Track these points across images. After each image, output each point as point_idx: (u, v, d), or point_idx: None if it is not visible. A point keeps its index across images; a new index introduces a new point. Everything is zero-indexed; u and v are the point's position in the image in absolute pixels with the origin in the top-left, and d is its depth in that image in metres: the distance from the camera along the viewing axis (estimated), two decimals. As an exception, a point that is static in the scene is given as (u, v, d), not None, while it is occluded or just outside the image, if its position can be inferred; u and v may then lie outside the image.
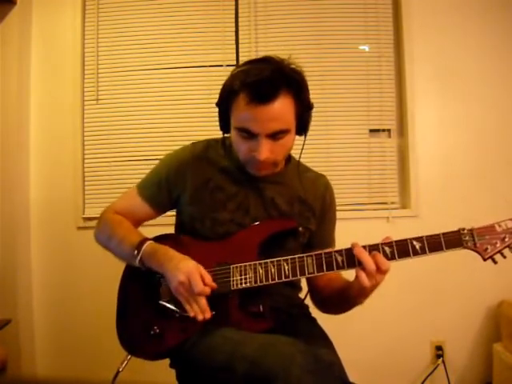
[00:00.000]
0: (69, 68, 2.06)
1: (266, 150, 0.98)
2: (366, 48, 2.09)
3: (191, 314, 0.97)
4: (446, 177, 2.05)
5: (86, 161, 2.07)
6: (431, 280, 2.01)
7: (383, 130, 2.09)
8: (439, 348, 2.02)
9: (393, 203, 2.07)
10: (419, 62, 2.05)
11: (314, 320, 1.20)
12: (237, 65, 2.01)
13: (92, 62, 2.07)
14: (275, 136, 0.98)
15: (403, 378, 2.04)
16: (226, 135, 1.10)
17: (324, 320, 1.18)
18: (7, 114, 1.97)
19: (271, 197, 1.11)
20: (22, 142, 2.02)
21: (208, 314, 0.96)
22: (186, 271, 0.96)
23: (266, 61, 1.00)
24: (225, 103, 1.01)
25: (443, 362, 2.00)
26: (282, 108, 0.95)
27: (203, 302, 0.96)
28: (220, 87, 1.08)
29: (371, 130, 2.08)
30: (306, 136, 1.07)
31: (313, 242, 1.17)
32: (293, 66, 1.00)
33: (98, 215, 1.20)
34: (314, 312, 1.21)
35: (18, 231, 1.99)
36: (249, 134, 0.98)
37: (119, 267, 1.15)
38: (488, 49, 2.05)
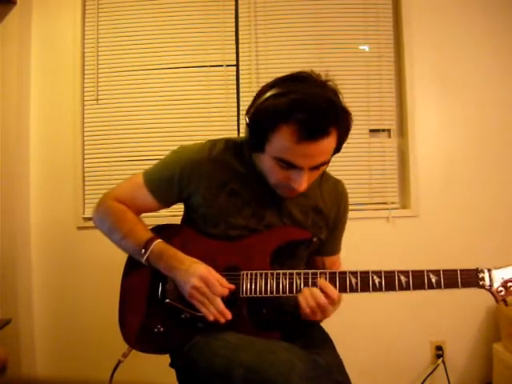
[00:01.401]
0: (69, 68, 2.05)
1: (306, 182, 0.96)
2: (366, 48, 2.09)
3: (210, 318, 0.95)
4: (446, 177, 2.05)
5: (86, 161, 2.06)
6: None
7: (383, 130, 2.09)
8: (439, 348, 2.02)
9: (393, 203, 2.07)
10: (419, 62, 2.04)
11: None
12: (237, 63, 2.01)
13: (92, 62, 2.07)
14: (317, 167, 0.95)
15: (403, 378, 2.04)
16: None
17: (325, 320, 1.18)
18: (7, 114, 1.97)
19: (286, 206, 1.09)
20: (21, 142, 2.02)
21: (229, 315, 0.95)
22: (200, 275, 0.95)
23: (307, 81, 0.93)
24: (262, 127, 0.92)
25: (443, 362, 2.00)
26: (330, 143, 0.92)
27: (220, 304, 0.95)
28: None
29: (371, 130, 2.08)
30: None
31: (321, 248, 1.16)
32: (331, 85, 0.95)
33: (93, 211, 1.15)
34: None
35: (18, 231, 1.99)
36: (290, 166, 0.93)
37: (119, 267, 1.14)
38: (488, 48, 2.05)
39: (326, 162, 0.97)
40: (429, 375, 2.01)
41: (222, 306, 0.95)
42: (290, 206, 1.09)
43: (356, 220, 2.00)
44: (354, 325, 1.96)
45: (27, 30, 2.04)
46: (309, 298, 0.93)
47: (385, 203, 2.06)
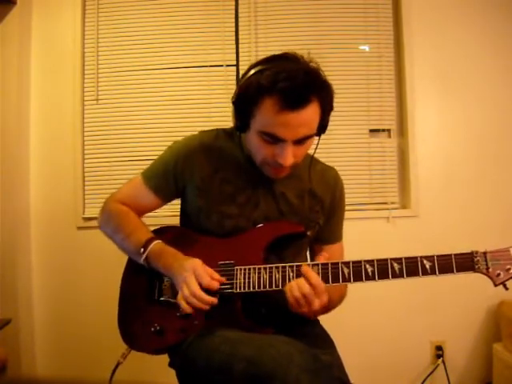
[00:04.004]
0: (69, 68, 2.05)
1: (291, 156, 0.96)
2: (366, 48, 2.09)
3: (182, 303, 0.94)
4: (446, 176, 2.05)
5: (86, 161, 2.06)
6: (431, 280, 1.99)
7: (383, 130, 2.09)
8: (439, 348, 2.02)
9: (393, 203, 2.07)
10: (419, 62, 2.05)
11: (315, 320, 1.20)
12: (237, 63, 2.01)
13: (92, 62, 2.07)
14: (301, 141, 0.96)
15: (403, 378, 2.04)
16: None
17: (325, 320, 1.18)
18: (7, 114, 1.97)
19: (281, 191, 1.10)
20: (22, 142, 2.02)
21: (205, 298, 0.93)
22: (191, 267, 0.96)
23: (290, 60, 0.95)
24: (246, 103, 0.95)
25: (443, 362, 2.00)
26: (311, 114, 0.93)
27: (195, 287, 0.93)
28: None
29: (371, 130, 2.08)
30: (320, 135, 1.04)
31: (320, 236, 1.16)
32: (313, 65, 0.96)
33: (98, 215, 1.18)
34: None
35: (18, 231, 1.99)
36: (274, 139, 0.94)
37: (119, 267, 1.15)
38: (489, 48, 2.05)
39: (310, 136, 0.97)
40: (429, 375, 2.01)
41: (195, 288, 0.93)
42: (285, 189, 1.10)
43: (356, 220, 2.00)
44: (354, 325, 1.96)
45: (27, 30, 2.04)
46: (294, 288, 0.92)
47: (385, 203, 2.06)
